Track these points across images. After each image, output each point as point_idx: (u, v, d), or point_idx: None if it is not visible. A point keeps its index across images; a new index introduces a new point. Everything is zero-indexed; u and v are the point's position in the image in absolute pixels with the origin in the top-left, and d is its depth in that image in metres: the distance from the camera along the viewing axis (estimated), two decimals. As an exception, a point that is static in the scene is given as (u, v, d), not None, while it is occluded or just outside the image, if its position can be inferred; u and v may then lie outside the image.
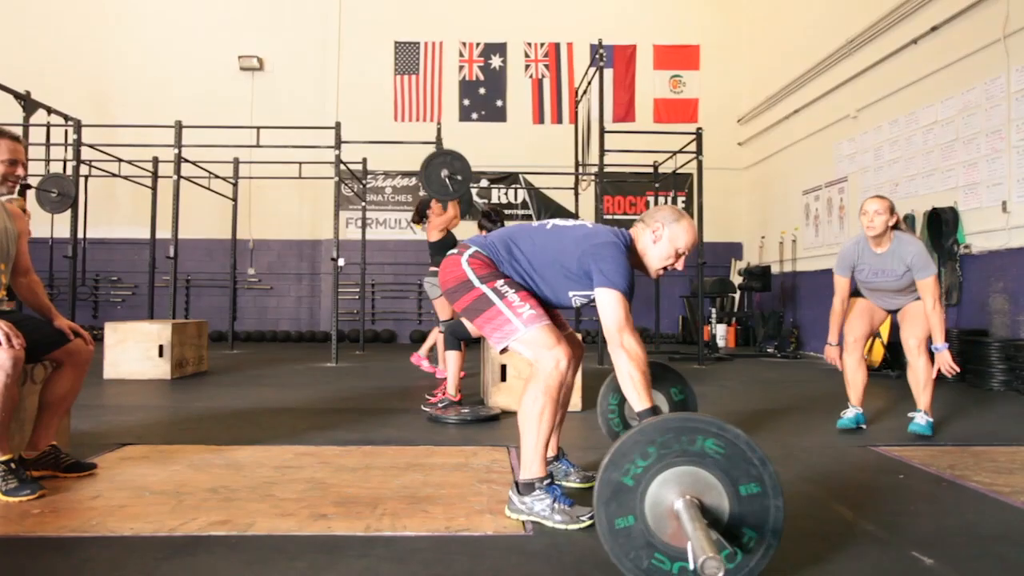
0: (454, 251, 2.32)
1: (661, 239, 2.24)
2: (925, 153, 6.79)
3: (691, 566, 1.46)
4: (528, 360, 2.17)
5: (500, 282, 2.18)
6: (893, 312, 3.71)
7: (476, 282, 2.18)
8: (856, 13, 7.85)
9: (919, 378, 3.51)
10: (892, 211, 3.47)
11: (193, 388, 5.23)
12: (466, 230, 8.49)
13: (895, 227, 3.50)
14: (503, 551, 1.83)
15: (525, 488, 2.09)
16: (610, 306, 2.08)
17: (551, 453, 2.49)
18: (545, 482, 2.09)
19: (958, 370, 3.36)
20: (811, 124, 9.06)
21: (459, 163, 4.85)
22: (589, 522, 1.99)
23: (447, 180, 4.69)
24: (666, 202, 11.16)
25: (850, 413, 3.68)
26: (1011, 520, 2.13)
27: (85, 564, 1.74)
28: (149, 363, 5.58)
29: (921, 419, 3.46)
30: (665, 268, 2.29)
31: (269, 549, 1.83)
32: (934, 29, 6.56)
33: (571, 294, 2.27)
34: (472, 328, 4.21)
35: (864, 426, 3.67)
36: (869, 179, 7.75)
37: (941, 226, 6.24)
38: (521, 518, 2.08)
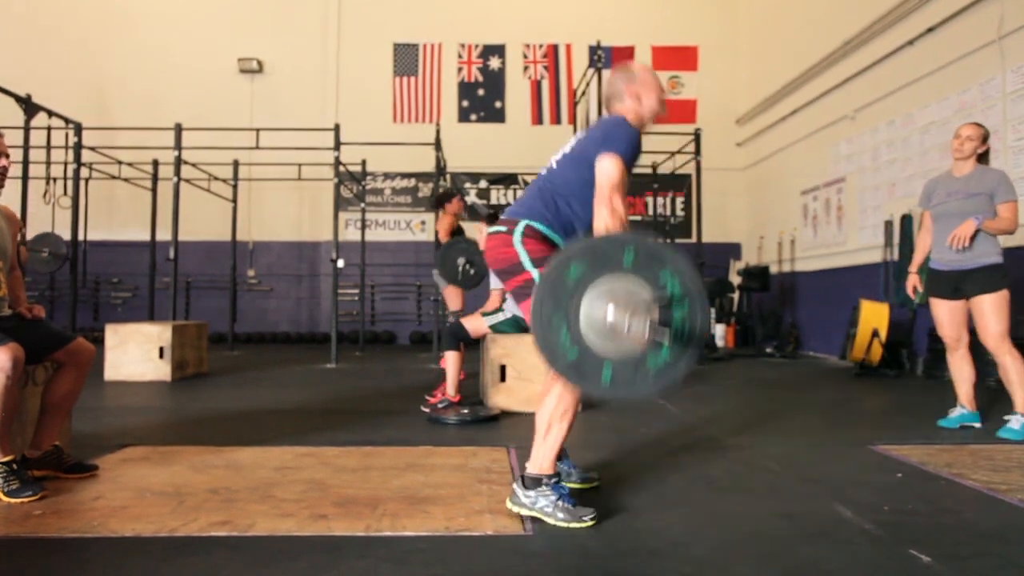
0: (501, 228, 2.26)
1: (642, 94, 2.31)
2: (922, 154, 6.80)
3: (618, 322, 1.74)
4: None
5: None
6: (961, 277, 3.52)
7: (528, 265, 2.17)
8: (853, 15, 7.87)
9: (1010, 377, 3.42)
10: (985, 140, 3.53)
11: (193, 389, 5.24)
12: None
13: (982, 160, 3.54)
14: (503, 551, 1.84)
15: (532, 482, 2.09)
16: (608, 168, 2.10)
17: None
18: (552, 480, 2.09)
19: (967, 233, 3.37)
20: (809, 125, 9.07)
21: (478, 257, 4.91)
22: (591, 522, 2.02)
23: (461, 268, 4.77)
24: (665, 203, 11.17)
25: (954, 412, 3.67)
26: (1008, 518, 2.14)
27: (87, 565, 1.75)
28: (150, 365, 5.59)
29: (1016, 422, 3.36)
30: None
31: (269, 550, 1.84)
32: (930, 30, 6.58)
33: None
34: (472, 329, 4.22)
35: (975, 425, 3.61)
36: (867, 179, 7.77)
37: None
38: (523, 512, 2.08)
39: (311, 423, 3.78)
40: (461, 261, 4.69)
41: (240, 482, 2.47)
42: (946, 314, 3.63)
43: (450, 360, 4.19)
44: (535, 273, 2.14)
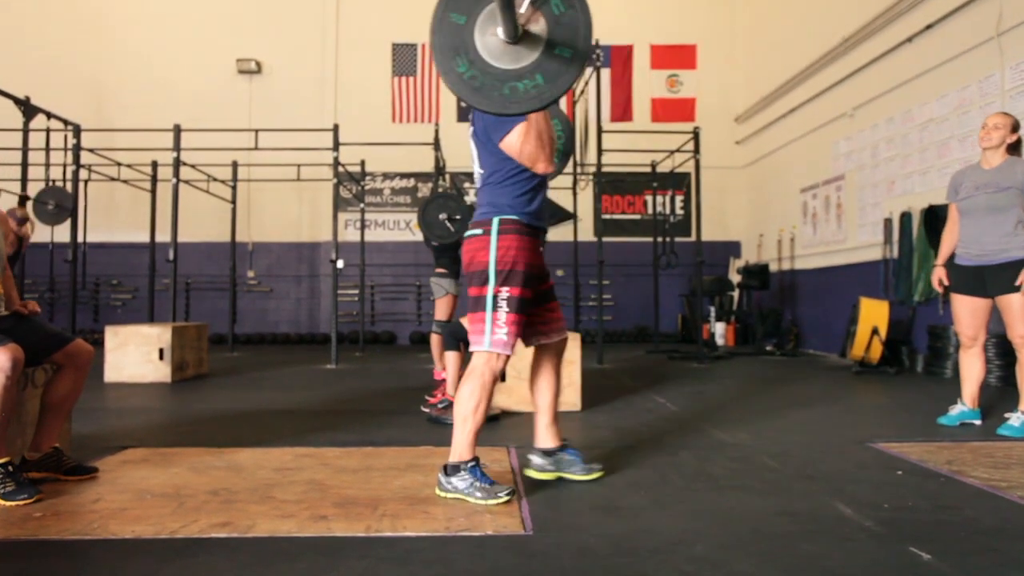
0: (476, 231, 2.39)
1: None
2: (921, 151, 6.80)
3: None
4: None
5: (505, 292, 2.31)
6: (987, 272, 3.47)
7: (491, 278, 2.32)
8: (852, 12, 7.86)
9: None
10: (1015, 129, 3.45)
11: (193, 391, 5.24)
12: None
13: (1014, 151, 3.47)
14: (503, 551, 1.84)
15: (452, 469, 2.30)
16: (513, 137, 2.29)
17: (555, 443, 2.56)
18: (469, 464, 2.29)
19: None
20: (808, 122, 9.07)
21: (454, 203, 4.90)
22: (507, 498, 2.23)
23: (447, 223, 4.76)
24: (665, 202, 11.17)
25: (954, 410, 3.65)
26: (1008, 515, 2.14)
27: (86, 567, 1.75)
28: (150, 366, 5.59)
29: (1016, 420, 3.37)
30: None
31: (270, 551, 1.84)
32: (929, 27, 6.58)
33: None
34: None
35: (976, 422, 3.60)
36: (866, 177, 7.76)
37: (937, 223, 6.24)
38: (448, 496, 2.29)
39: (311, 424, 3.78)
40: (443, 217, 4.68)
41: (240, 483, 2.47)
42: (967, 312, 3.56)
43: (450, 360, 4.18)
44: (491, 291, 2.31)
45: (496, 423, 3.79)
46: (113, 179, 8.83)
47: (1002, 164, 3.46)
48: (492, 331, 2.31)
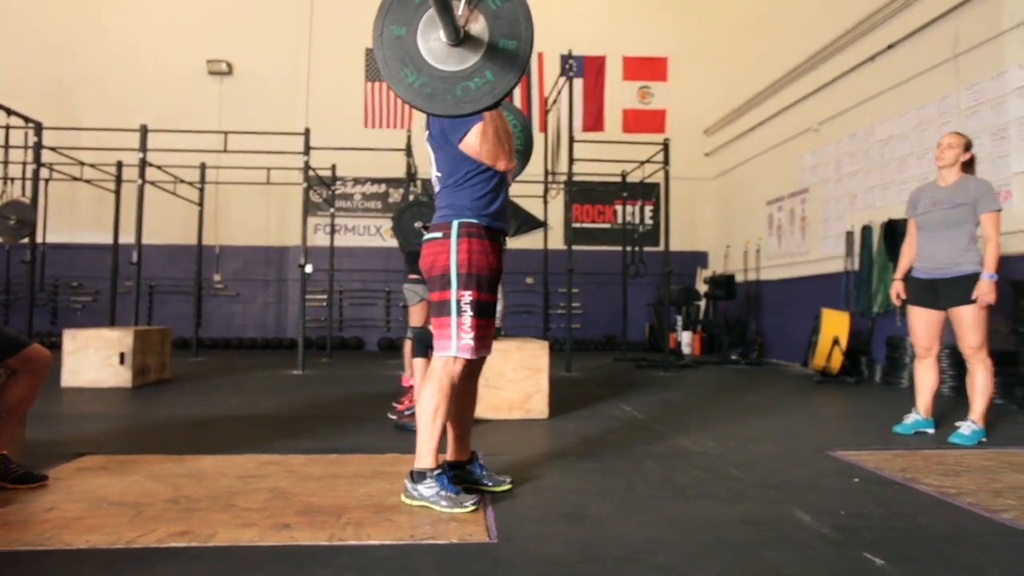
0: (436, 234, 2.38)
1: None
2: (882, 166, 7.00)
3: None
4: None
5: (468, 296, 2.30)
6: (941, 285, 3.58)
7: (453, 282, 2.31)
8: (817, 30, 8.07)
9: (975, 385, 3.54)
10: (967, 148, 3.58)
11: (155, 396, 5.13)
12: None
13: (967, 168, 3.61)
14: (468, 559, 1.84)
15: (418, 476, 2.29)
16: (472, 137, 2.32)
17: (464, 457, 2.56)
18: (435, 472, 2.28)
19: (992, 300, 3.40)
20: (775, 136, 9.27)
21: (428, 210, 4.90)
22: (472, 507, 2.22)
23: (423, 230, 4.76)
24: (635, 212, 11.30)
25: (909, 419, 3.74)
26: (958, 521, 2.21)
27: (39, 577, 1.71)
28: (109, 371, 5.46)
29: (967, 428, 3.48)
30: None
31: (230, 560, 1.81)
32: (890, 47, 6.78)
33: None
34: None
35: (929, 431, 3.71)
36: (830, 190, 7.96)
37: (896, 237, 6.42)
38: (413, 504, 2.27)
39: (276, 430, 3.73)
40: (418, 225, 4.67)
41: (201, 491, 2.43)
42: (922, 323, 3.69)
43: (418, 367, 4.17)
44: (454, 295, 2.31)
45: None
46: (76, 179, 8.63)
47: (956, 181, 3.60)
48: (458, 336, 2.30)
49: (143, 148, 7.15)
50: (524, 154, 2.75)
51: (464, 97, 1.87)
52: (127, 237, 8.08)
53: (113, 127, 8.04)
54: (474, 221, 2.34)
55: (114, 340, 5.50)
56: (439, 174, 2.43)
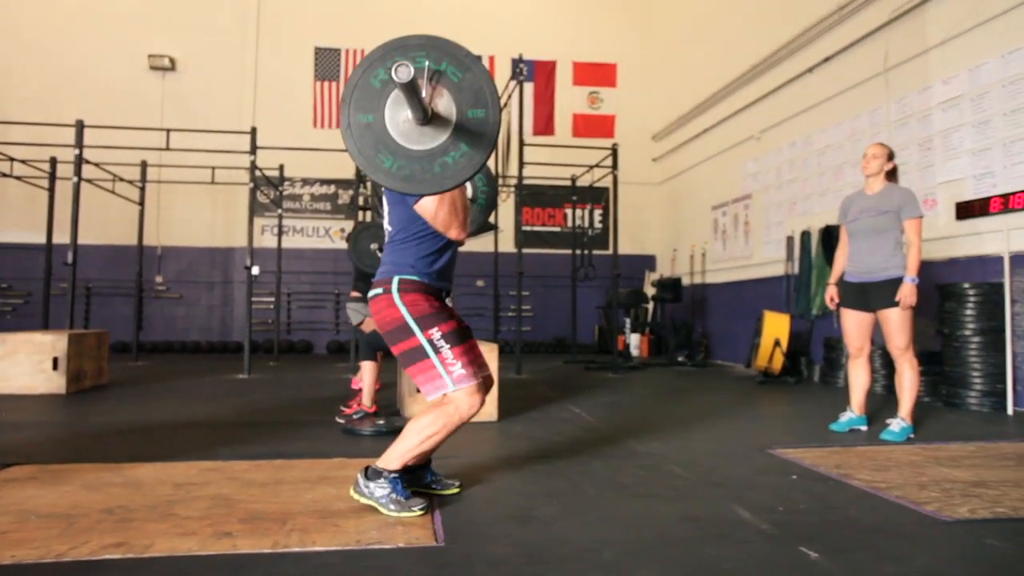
0: (378, 290, 2.34)
1: None
2: (819, 174, 7.28)
3: (395, 77, 1.68)
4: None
5: (436, 332, 2.26)
6: (871, 289, 3.76)
7: (414, 328, 2.27)
8: (759, 41, 8.34)
9: (903, 384, 3.71)
10: (890, 158, 3.79)
11: (91, 403, 4.94)
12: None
13: (891, 177, 3.81)
14: (415, 563, 1.84)
15: (373, 474, 2.28)
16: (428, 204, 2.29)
17: (420, 461, 2.52)
18: (393, 475, 2.27)
19: (913, 303, 3.59)
20: (720, 143, 9.52)
21: (383, 231, 4.88)
22: (420, 512, 2.23)
23: (378, 252, 4.75)
24: (584, 215, 11.43)
25: (844, 417, 3.90)
26: (886, 513, 2.32)
27: (-38, 594, 1.63)
28: (41, 376, 5.23)
29: (896, 425, 3.65)
30: None
31: (168, 571, 1.77)
32: (827, 60, 7.06)
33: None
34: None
35: (862, 428, 3.88)
36: (771, 196, 8.22)
37: (833, 242, 6.68)
38: (361, 500, 2.27)
39: (220, 436, 3.64)
40: (374, 247, 4.65)
41: (139, 500, 2.36)
42: (854, 325, 3.88)
43: (367, 370, 4.14)
44: (422, 338, 2.26)
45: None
46: (5, 175, 8.23)
47: (882, 190, 3.81)
48: (447, 371, 2.24)
49: (79, 144, 6.87)
50: (488, 207, 2.80)
51: (444, 173, 1.88)
52: (62, 237, 7.75)
53: (47, 122, 7.71)
54: (414, 279, 2.31)
55: (47, 344, 5.27)
56: (390, 228, 2.41)
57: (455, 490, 2.52)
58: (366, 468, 2.30)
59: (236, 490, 2.51)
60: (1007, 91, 5.04)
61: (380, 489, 2.25)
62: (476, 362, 2.35)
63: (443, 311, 2.34)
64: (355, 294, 4.85)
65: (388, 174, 1.87)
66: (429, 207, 2.26)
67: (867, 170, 3.83)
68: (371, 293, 2.39)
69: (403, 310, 2.28)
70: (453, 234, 2.32)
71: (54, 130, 7.70)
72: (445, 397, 2.27)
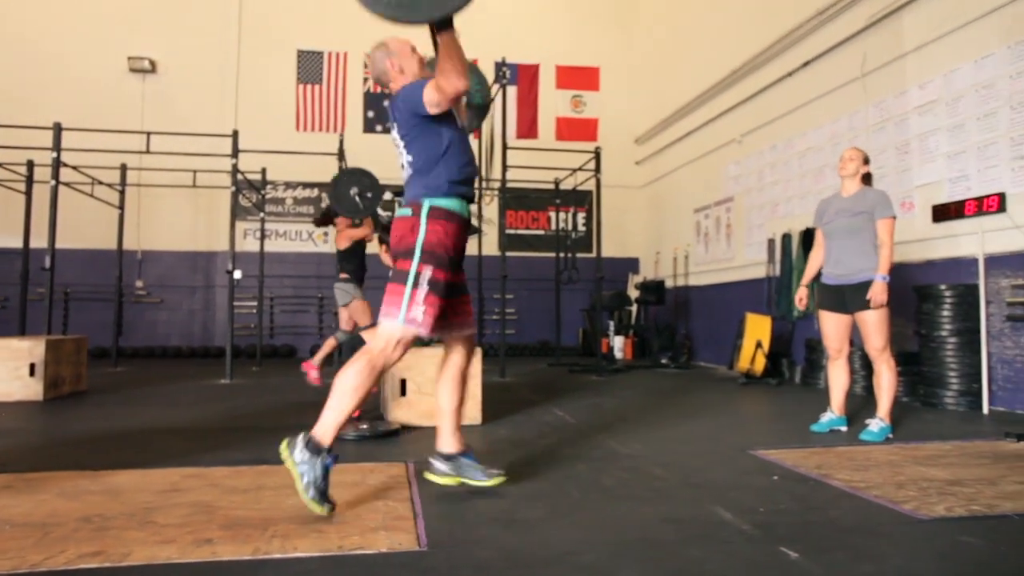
0: (407, 211, 2.42)
1: (403, 64, 2.62)
2: (800, 177, 7.36)
3: None
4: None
5: (428, 271, 2.33)
6: (848, 291, 3.81)
7: (416, 255, 2.35)
8: (741, 45, 8.42)
9: (881, 384, 3.77)
10: (866, 161, 3.87)
11: (69, 409, 4.87)
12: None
13: (867, 181, 3.88)
14: (398, 568, 1.83)
15: (314, 449, 2.25)
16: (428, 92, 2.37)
17: (457, 449, 2.57)
18: (328, 459, 2.26)
19: (884, 301, 3.63)
20: (702, 146, 9.60)
21: (367, 179, 4.84)
22: (326, 512, 2.21)
23: (357, 198, 4.68)
24: (567, 218, 11.46)
25: (824, 417, 3.95)
26: (865, 513, 2.34)
27: (-65, 606, 1.60)
28: (18, 383, 5.15)
29: (875, 425, 3.70)
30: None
31: (148, 578, 1.75)
32: (806, 64, 7.15)
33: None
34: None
35: (842, 429, 3.92)
36: (753, 199, 8.30)
37: (812, 244, 6.74)
38: (287, 463, 2.25)
39: (200, 442, 3.60)
40: (354, 191, 4.63)
41: (117, 508, 2.33)
42: (832, 326, 3.93)
43: (328, 343, 4.12)
44: (414, 267, 2.34)
45: (396, 438, 3.76)
46: (-21, 179, 8.10)
47: (857, 192, 3.88)
48: (408, 307, 2.31)
49: (57, 147, 6.78)
50: (483, 107, 2.85)
51: None
52: (39, 241, 7.63)
53: (23, 124, 7.60)
54: (446, 206, 2.41)
55: (23, 350, 5.19)
56: (410, 159, 2.48)
57: (499, 480, 2.54)
58: (308, 437, 2.27)
59: (217, 497, 2.49)
60: (980, 96, 5.13)
61: (311, 469, 2.22)
62: (438, 322, 2.42)
63: (452, 261, 2.41)
64: (344, 276, 4.83)
65: (388, 3, 1.96)
66: (431, 90, 2.29)
67: (843, 171, 3.90)
68: (399, 212, 2.45)
69: (420, 236, 2.36)
70: (462, 84, 2.25)
71: (31, 132, 7.59)
72: (366, 345, 2.34)
